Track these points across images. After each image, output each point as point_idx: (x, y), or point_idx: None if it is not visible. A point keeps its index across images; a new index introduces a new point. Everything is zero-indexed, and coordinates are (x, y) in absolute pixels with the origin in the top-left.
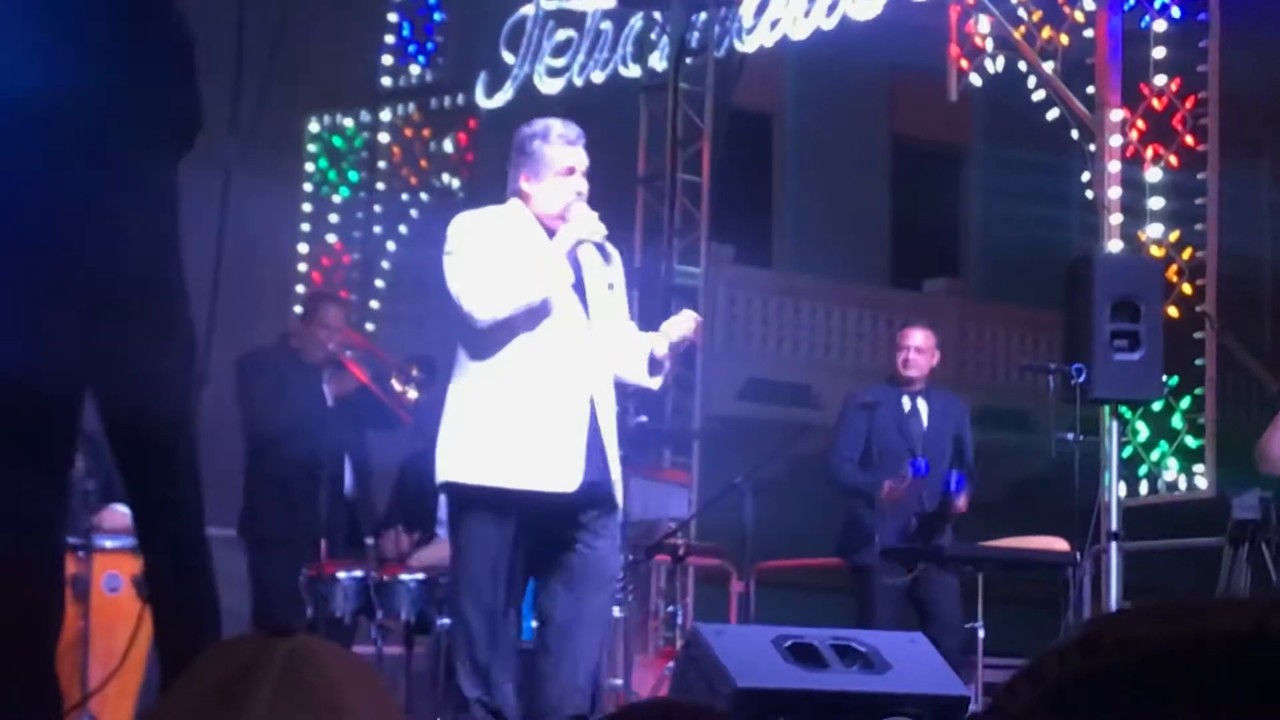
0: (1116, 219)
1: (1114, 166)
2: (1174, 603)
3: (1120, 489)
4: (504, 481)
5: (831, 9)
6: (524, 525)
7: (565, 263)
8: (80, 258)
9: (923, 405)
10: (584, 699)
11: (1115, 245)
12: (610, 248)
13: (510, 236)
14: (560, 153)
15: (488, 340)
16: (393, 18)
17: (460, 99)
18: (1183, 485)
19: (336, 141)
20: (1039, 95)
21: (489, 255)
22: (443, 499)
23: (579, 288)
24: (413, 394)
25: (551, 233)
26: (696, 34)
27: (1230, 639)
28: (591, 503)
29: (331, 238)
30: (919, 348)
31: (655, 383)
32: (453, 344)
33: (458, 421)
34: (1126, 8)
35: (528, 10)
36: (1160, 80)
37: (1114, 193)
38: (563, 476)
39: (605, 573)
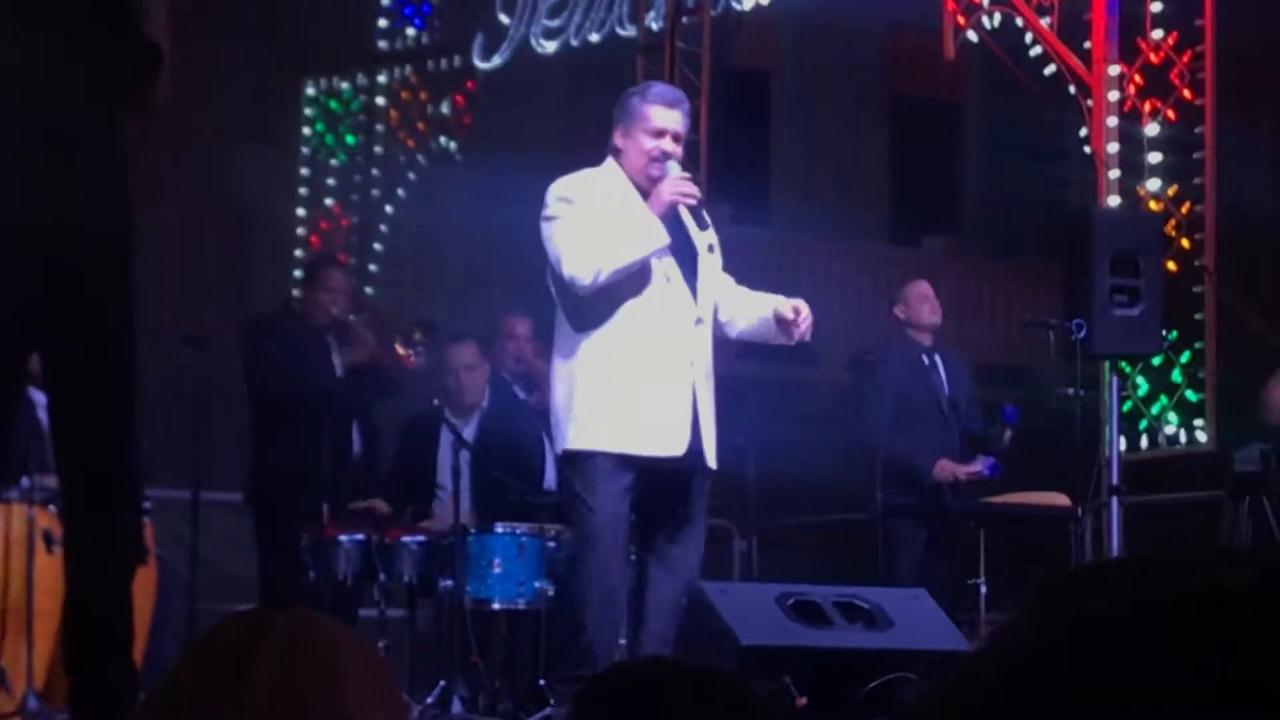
0: (1114, 174)
1: (1111, 121)
2: (1122, 563)
3: (1121, 444)
4: (619, 446)
5: None
6: (639, 490)
7: (660, 226)
8: (25, 221)
9: (938, 361)
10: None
11: (1114, 200)
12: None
13: (606, 199)
14: (654, 111)
15: (591, 307)
16: None
17: (457, 61)
18: (1183, 439)
19: (333, 105)
20: (1036, 51)
21: (588, 219)
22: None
23: (682, 251)
24: (415, 358)
25: (644, 193)
26: None
27: (1178, 603)
28: (694, 468)
29: (329, 201)
30: (931, 295)
31: (791, 340)
32: (556, 310)
33: (573, 390)
34: None
35: None
36: (1157, 34)
37: (1112, 148)
38: (670, 441)
39: (700, 536)
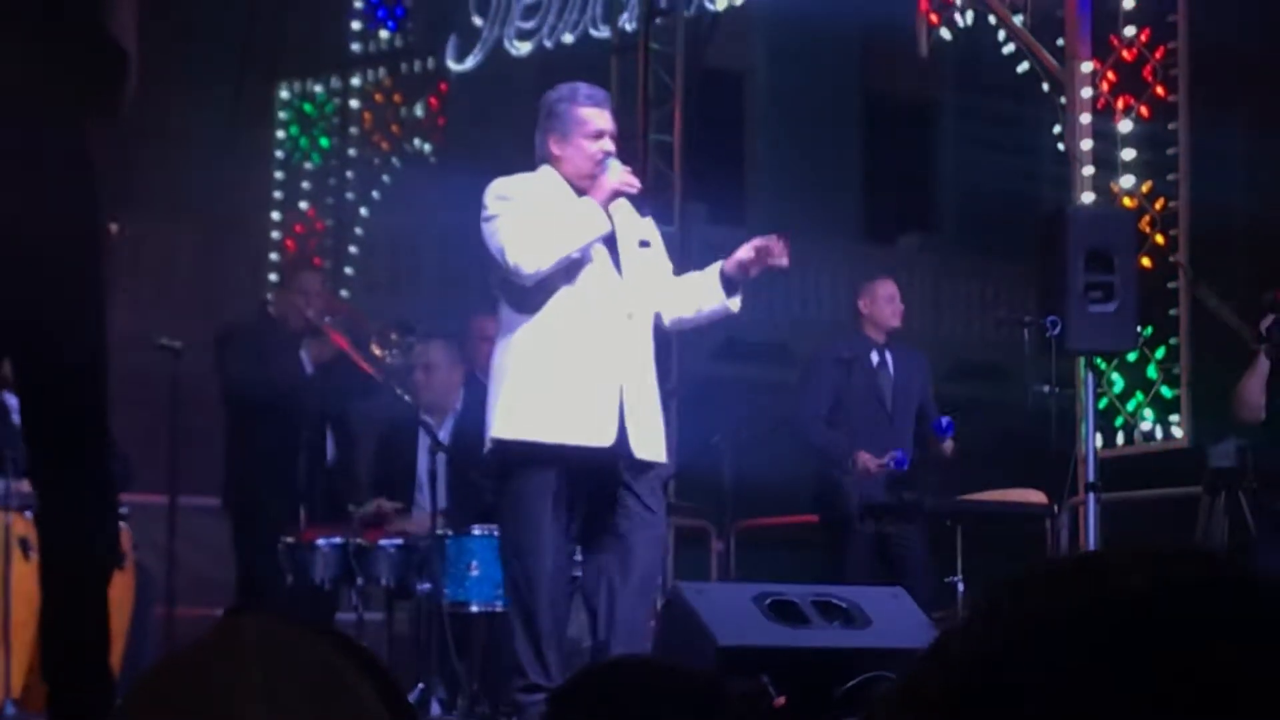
0: (1088, 171)
1: (1085, 118)
2: (1072, 561)
3: (1097, 440)
4: (543, 436)
5: None
6: (570, 482)
7: (602, 213)
8: None
9: (889, 358)
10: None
11: (1088, 197)
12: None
13: (545, 196)
14: (588, 114)
15: (530, 297)
16: None
17: (430, 63)
18: (1159, 435)
19: (307, 108)
20: (1009, 49)
21: (528, 212)
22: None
23: (611, 245)
24: (391, 359)
25: (582, 194)
26: None
27: (1128, 599)
28: (628, 461)
29: (304, 205)
30: (897, 298)
31: (735, 304)
32: (498, 306)
33: (503, 380)
34: None
35: None
36: (1129, 31)
37: (1085, 145)
38: (597, 431)
39: (652, 532)
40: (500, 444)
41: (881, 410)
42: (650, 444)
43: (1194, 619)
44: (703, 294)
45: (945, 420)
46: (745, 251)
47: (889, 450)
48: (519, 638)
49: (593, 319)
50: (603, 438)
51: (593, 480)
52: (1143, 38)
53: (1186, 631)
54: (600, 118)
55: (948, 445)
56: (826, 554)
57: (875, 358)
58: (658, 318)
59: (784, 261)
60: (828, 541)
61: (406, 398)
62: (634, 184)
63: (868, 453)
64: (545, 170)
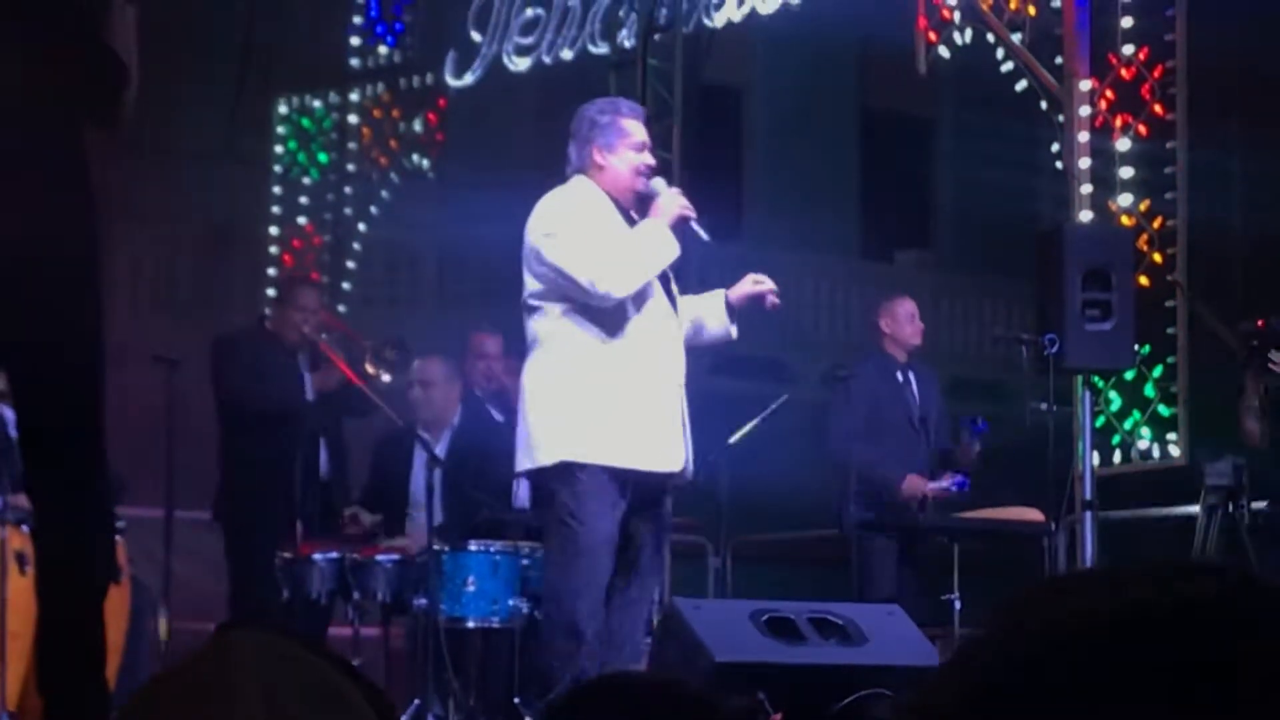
0: (1087, 189)
1: (1083, 137)
2: (1083, 576)
3: (1094, 458)
4: (613, 460)
5: None
6: (629, 504)
7: (673, 238)
8: None
9: (912, 376)
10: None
11: (1086, 215)
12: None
13: (599, 215)
14: (634, 126)
15: (602, 318)
16: None
17: (429, 79)
18: (1156, 454)
19: (305, 123)
20: (1008, 66)
21: (599, 233)
22: (523, 482)
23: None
24: (386, 376)
25: (621, 207)
26: (664, 10)
27: (1146, 610)
28: (676, 481)
29: (302, 219)
30: (917, 315)
31: (734, 331)
32: (533, 320)
33: (558, 403)
34: None
35: None
36: (1128, 50)
37: (1084, 163)
38: (670, 457)
39: (665, 551)
40: (565, 466)
41: (910, 428)
42: (690, 462)
43: (1214, 630)
44: (709, 317)
45: (980, 421)
46: (751, 287)
47: (916, 466)
48: (556, 652)
49: (654, 341)
50: (674, 462)
51: (647, 501)
52: (1141, 56)
53: (1208, 641)
54: (641, 130)
55: (975, 448)
56: (831, 571)
57: (899, 376)
58: None
59: (776, 303)
60: (853, 554)
61: (399, 421)
62: (691, 209)
63: (913, 475)
64: (583, 181)
